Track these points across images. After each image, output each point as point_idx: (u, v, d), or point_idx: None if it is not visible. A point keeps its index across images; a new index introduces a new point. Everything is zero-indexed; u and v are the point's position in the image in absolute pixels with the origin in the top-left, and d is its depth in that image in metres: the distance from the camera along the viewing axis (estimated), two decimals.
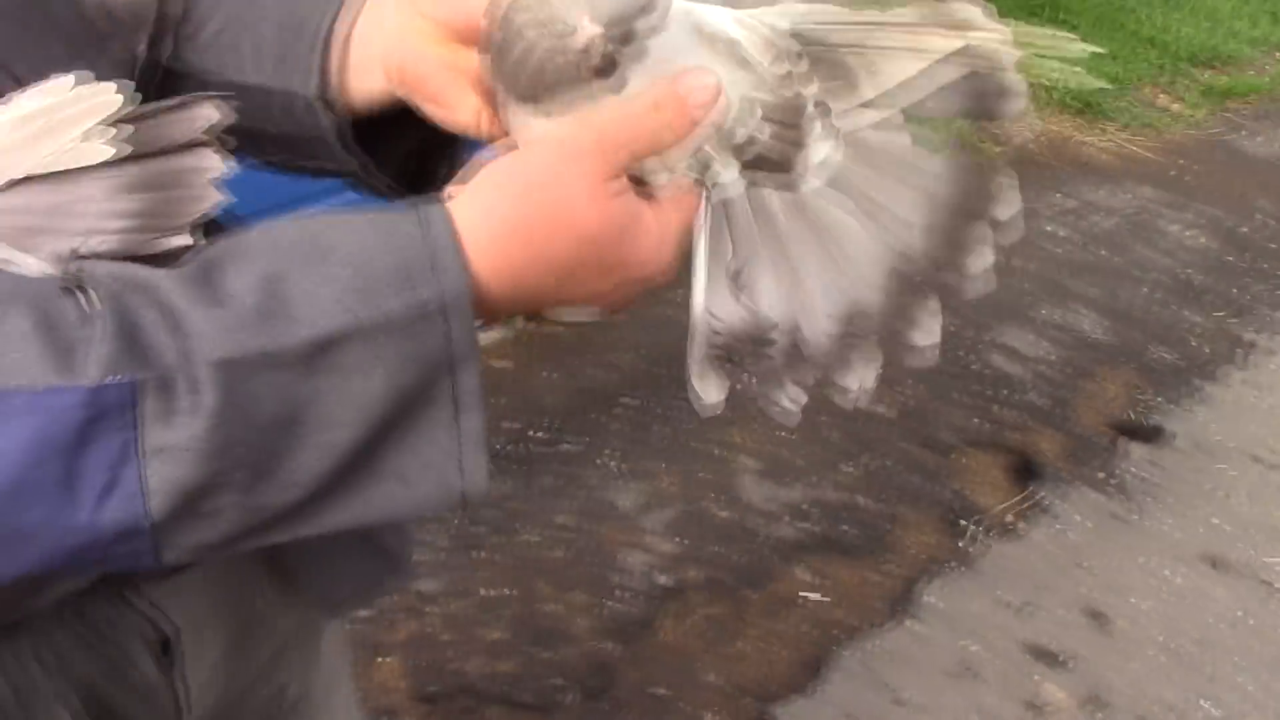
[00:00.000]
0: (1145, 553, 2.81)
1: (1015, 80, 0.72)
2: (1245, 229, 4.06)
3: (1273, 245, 3.98)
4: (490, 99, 0.71)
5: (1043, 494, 2.95)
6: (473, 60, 0.72)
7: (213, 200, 0.65)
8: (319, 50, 0.75)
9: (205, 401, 0.56)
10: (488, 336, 3.23)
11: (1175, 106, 4.75)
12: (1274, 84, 4.97)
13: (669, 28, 0.68)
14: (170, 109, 0.65)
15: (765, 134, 0.69)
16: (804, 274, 0.72)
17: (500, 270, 0.63)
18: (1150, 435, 3.16)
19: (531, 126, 0.68)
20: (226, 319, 0.57)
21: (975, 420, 3.16)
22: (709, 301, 0.71)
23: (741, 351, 0.72)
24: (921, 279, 0.73)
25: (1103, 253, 3.85)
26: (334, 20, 0.76)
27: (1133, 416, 3.23)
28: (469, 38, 0.72)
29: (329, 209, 0.64)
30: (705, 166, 0.69)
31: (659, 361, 3.20)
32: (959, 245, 0.73)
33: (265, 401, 0.57)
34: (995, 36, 0.71)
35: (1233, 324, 3.61)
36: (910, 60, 0.71)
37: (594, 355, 3.20)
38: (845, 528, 2.76)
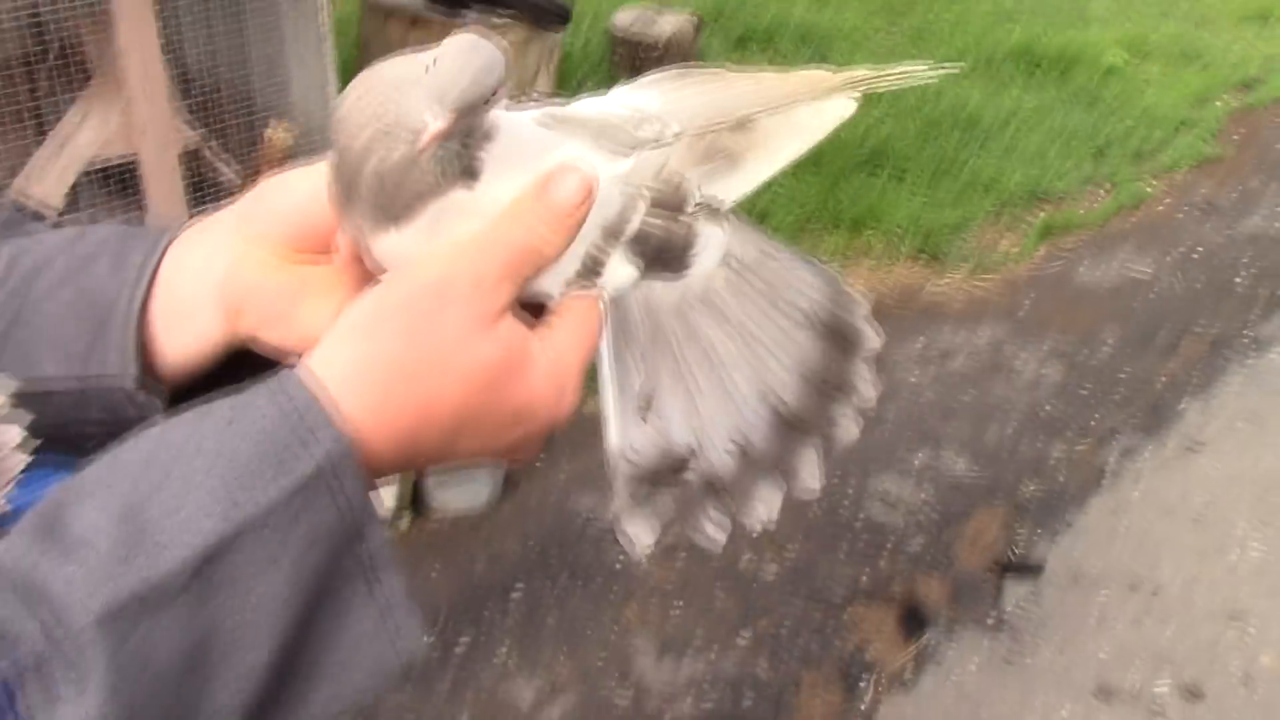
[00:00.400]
0: (1038, 692, 2.86)
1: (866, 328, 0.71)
2: (1095, 359, 4.25)
3: (1123, 373, 4.17)
4: (351, 267, 0.66)
5: (934, 641, 3.00)
6: (318, 272, 0.68)
7: (19, 461, 0.60)
8: (132, 331, 0.68)
9: (92, 674, 0.49)
10: None
11: (1013, 246, 5.00)
12: (1101, 217, 5.27)
13: (511, 118, 0.64)
14: None
15: (656, 224, 0.65)
16: (699, 396, 0.68)
17: (382, 422, 0.58)
18: (1029, 571, 3.25)
19: (396, 251, 0.62)
20: (87, 571, 0.51)
21: (863, 572, 3.21)
22: (624, 435, 0.67)
23: (662, 481, 0.68)
24: (800, 421, 0.69)
25: (965, 394, 3.99)
26: (145, 291, 0.69)
27: (1011, 554, 3.32)
28: (315, 246, 0.68)
29: (168, 420, 0.58)
30: (597, 268, 0.65)
31: (547, 545, 3.21)
32: (834, 382, 0.70)
33: (160, 649, 0.51)
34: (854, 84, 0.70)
35: (1094, 453, 3.76)
36: (792, 139, 0.70)
37: (480, 546, 3.19)
38: (748, 701, 2.77)
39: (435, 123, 0.58)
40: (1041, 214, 5.27)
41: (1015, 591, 3.18)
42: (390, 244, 0.62)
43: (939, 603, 3.13)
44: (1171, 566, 3.30)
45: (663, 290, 0.67)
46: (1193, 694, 2.88)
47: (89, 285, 0.69)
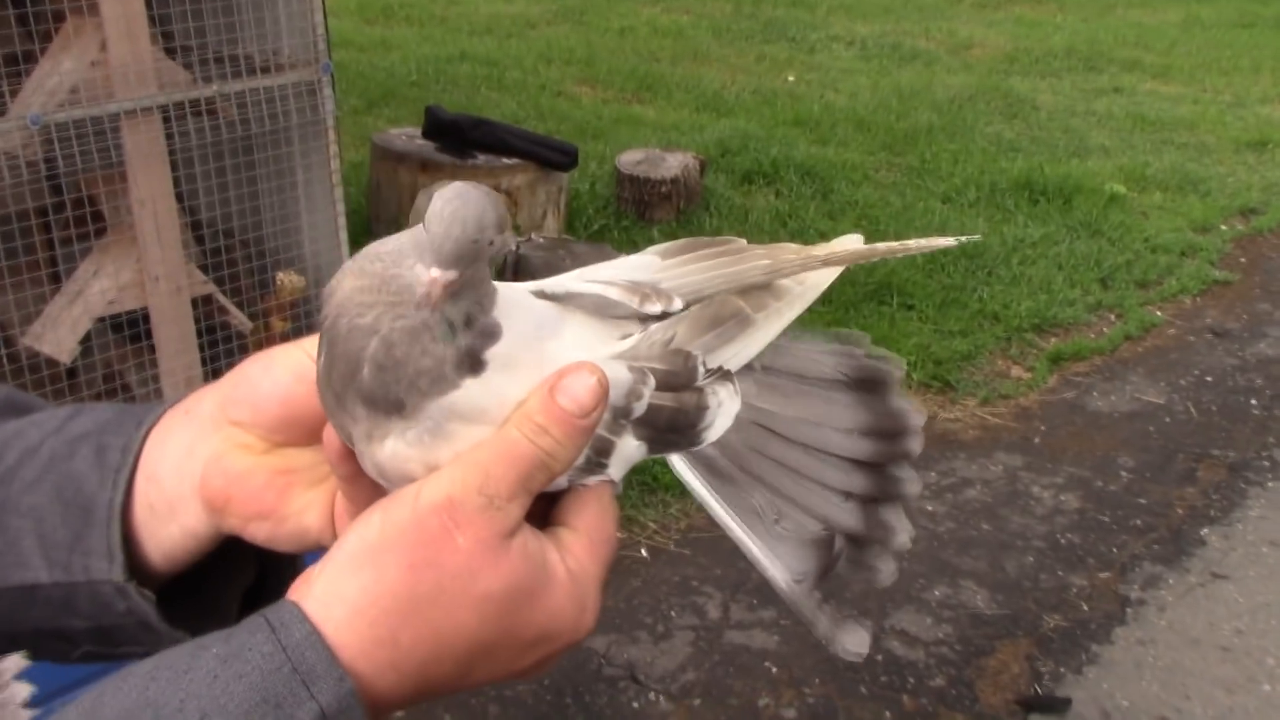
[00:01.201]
0: None
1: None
2: (1113, 487, 4.21)
3: (1141, 500, 4.13)
4: (342, 463, 0.62)
5: None
6: (304, 458, 0.67)
7: (26, 717, 0.58)
8: (116, 530, 0.66)
9: None
10: None
11: (1023, 374, 5.00)
12: (1110, 344, 5.28)
13: (511, 293, 0.62)
14: None
15: (666, 401, 0.63)
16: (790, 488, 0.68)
17: (389, 664, 0.55)
18: (1055, 707, 3.17)
19: (397, 459, 0.59)
20: None
21: (885, 712, 3.13)
22: (782, 565, 0.66)
23: (829, 576, 0.68)
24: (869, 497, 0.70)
25: (983, 526, 3.94)
26: (126, 487, 0.67)
27: (1036, 690, 3.24)
28: (295, 436, 0.67)
29: (157, 659, 0.55)
30: (606, 451, 0.62)
31: (561, 689, 3.14)
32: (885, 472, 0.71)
33: None
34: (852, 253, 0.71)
35: (1116, 583, 3.70)
36: (804, 297, 0.69)
37: (493, 692, 3.13)
38: None
39: (438, 275, 0.55)
40: (1051, 342, 5.28)
41: None
42: (390, 450, 0.58)
43: None
44: (1202, 700, 3.21)
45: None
46: None
47: (71, 477, 0.68)
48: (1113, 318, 5.58)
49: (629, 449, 0.63)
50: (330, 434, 0.62)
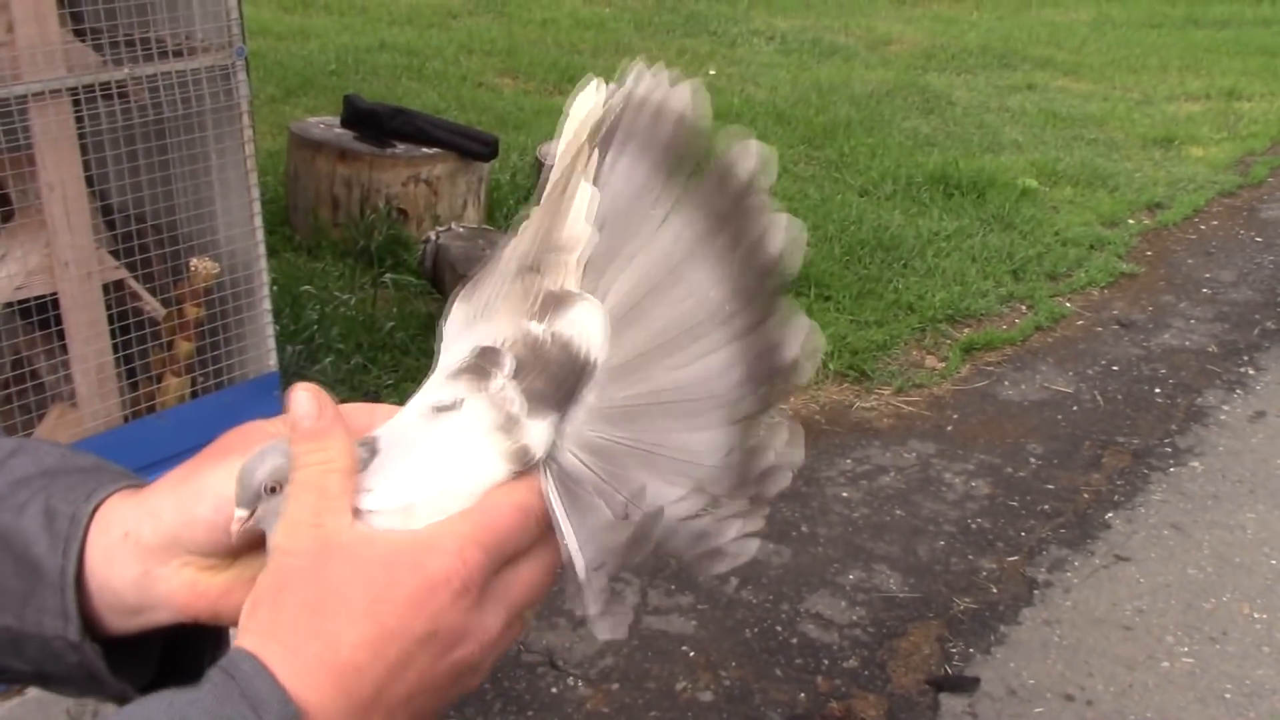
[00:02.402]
0: None
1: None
2: (1022, 473, 4.31)
3: (1049, 486, 4.23)
4: None
5: None
6: (256, 566, 0.71)
7: None
8: (71, 594, 0.72)
9: None
10: None
11: (937, 364, 5.10)
12: (1021, 334, 5.40)
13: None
14: None
15: (537, 380, 0.69)
16: (673, 455, 0.70)
17: (317, 671, 0.62)
18: (964, 686, 3.25)
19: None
20: None
21: (800, 694, 3.19)
22: (586, 558, 0.69)
23: (639, 557, 0.69)
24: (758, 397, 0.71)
25: (896, 512, 4.02)
26: (78, 562, 0.72)
27: (947, 670, 3.31)
28: (249, 550, 0.72)
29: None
30: (525, 455, 0.69)
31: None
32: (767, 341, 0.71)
33: None
34: None
35: (1024, 566, 3.79)
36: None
37: None
38: None
39: (237, 515, 0.68)
40: (964, 332, 5.38)
41: (952, 707, 3.17)
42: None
43: None
44: (1105, 677, 3.31)
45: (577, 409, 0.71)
46: None
47: (20, 534, 0.73)
48: (1024, 309, 5.70)
49: (539, 434, 0.69)
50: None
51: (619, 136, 0.72)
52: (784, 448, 0.72)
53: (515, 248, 0.72)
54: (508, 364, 0.70)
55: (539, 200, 0.71)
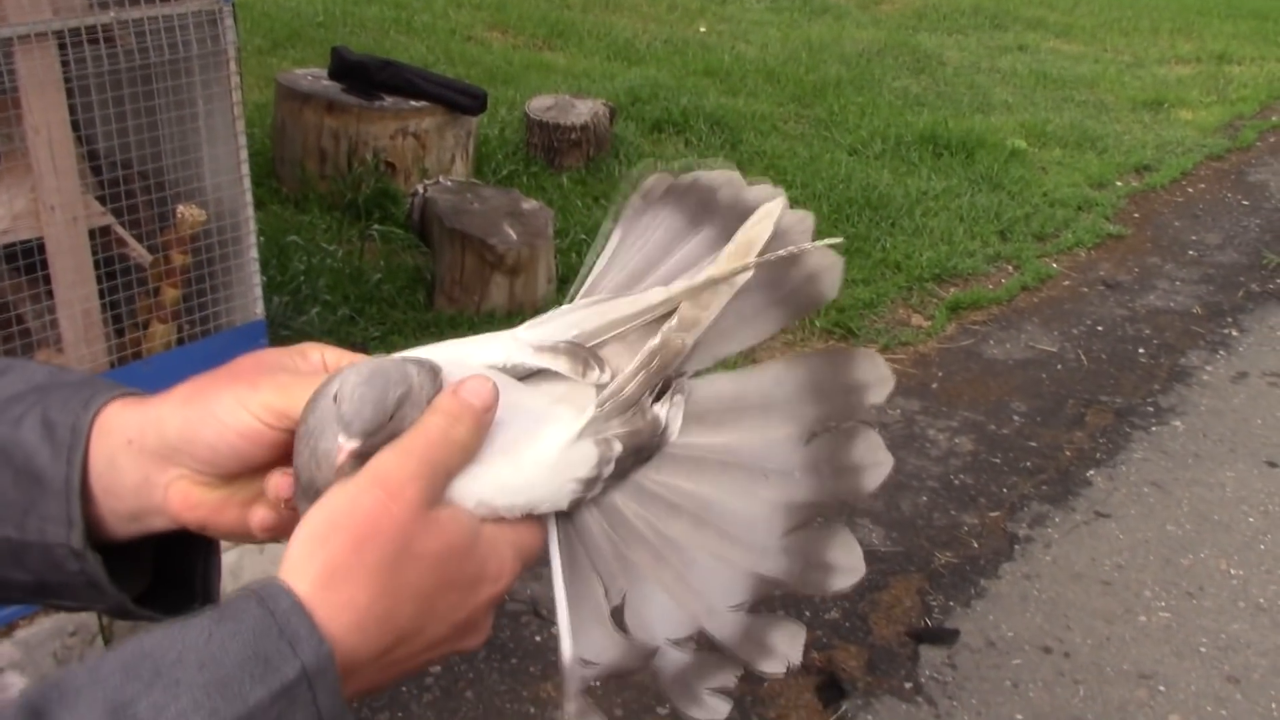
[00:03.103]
0: None
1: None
2: (1005, 430, 4.34)
3: (1032, 443, 4.26)
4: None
5: (852, 711, 3.01)
6: (249, 489, 0.74)
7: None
8: (76, 502, 0.73)
9: None
10: None
11: (923, 322, 5.12)
12: (1007, 294, 5.42)
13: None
14: None
15: (630, 460, 0.73)
16: (689, 571, 0.74)
17: (357, 624, 0.63)
18: (944, 638, 3.29)
19: None
20: None
21: None
22: (578, 647, 0.72)
23: (627, 674, 0.73)
24: (822, 508, 0.76)
25: None
26: (80, 469, 0.74)
27: (927, 622, 3.35)
28: (248, 475, 0.74)
29: (147, 629, 0.62)
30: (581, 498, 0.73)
31: None
32: (843, 446, 0.77)
33: None
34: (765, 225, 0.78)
35: (1005, 521, 3.83)
36: (712, 297, 0.77)
37: None
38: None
39: (346, 444, 0.66)
40: (950, 291, 5.40)
41: (931, 658, 3.21)
42: None
43: (856, 672, 3.14)
44: (1083, 630, 3.35)
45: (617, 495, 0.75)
46: None
47: (19, 445, 0.74)
48: (1010, 269, 5.72)
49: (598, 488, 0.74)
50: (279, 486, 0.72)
51: (763, 280, 0.79)
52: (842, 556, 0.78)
53: (652, 299, 0.78)
54: (616, 396, 0.75)
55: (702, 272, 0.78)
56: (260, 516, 0.74)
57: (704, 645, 0.73)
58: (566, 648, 0.72)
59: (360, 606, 0.63)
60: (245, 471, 0.74)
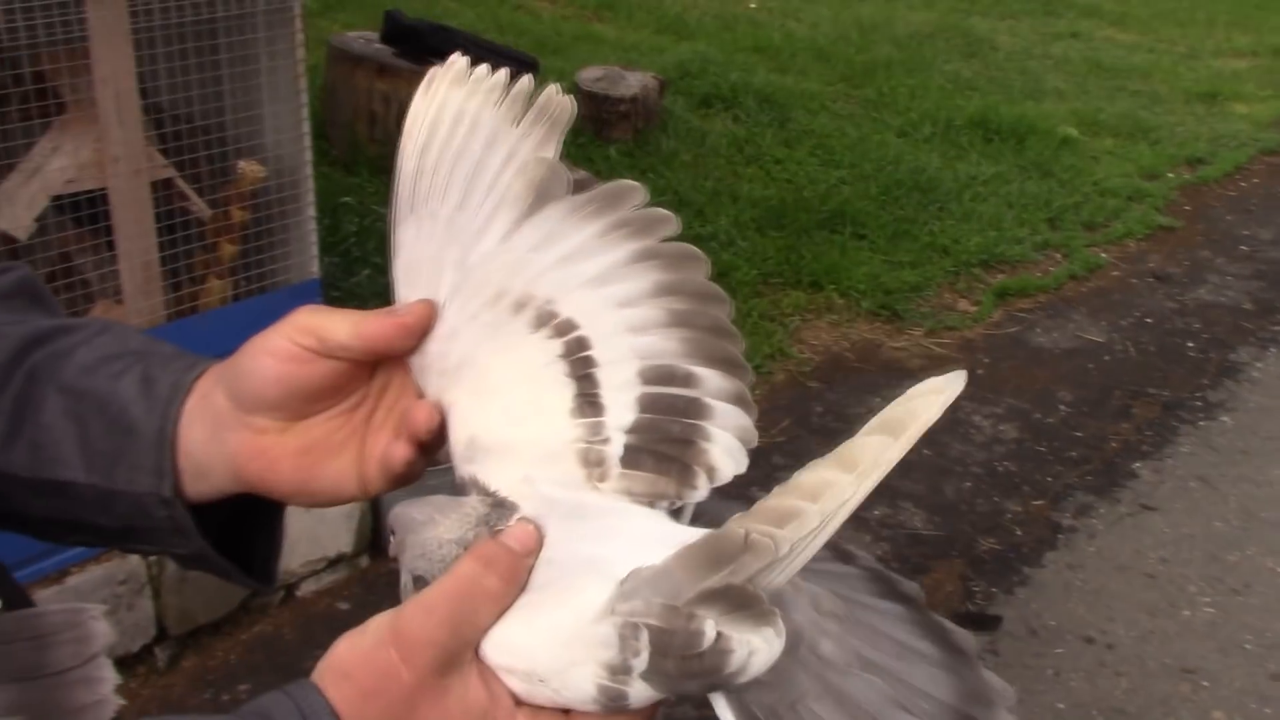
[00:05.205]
0: None
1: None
2: (1050, 419, 4.31)
3: (1077, 433, 4.23)
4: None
5: None
6: (317, 431, 0.75)
7: (114, 705, 0.64)
8: (168, 453, 0.75)
9: None
10: (330, 577, 3.16)
11: (969, 307, 5.08)
12: (1055, 282, 5.37)
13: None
14: (52, 621, 0.65)
15: (670, 665, 0.63)
16: None
17: None
18: (986, 624, 3.27)
19: None
20: None
21: None
22: None
23: None
24: None
25: (923, 451, 4.03)
26: (175, 423, 0.76)
27: (968, 608, 3.33)
28: (299, 407, 0.75)
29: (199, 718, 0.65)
30: (618, 699, 0.64)
31: None
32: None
33: None
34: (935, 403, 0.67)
35: (1049, 510, 3.80)
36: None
37: None
38: None
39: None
40: (998, 278, 5.36)
41: None
42: None
43: None
44: (1125, 622, 3.33)
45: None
46: None
47: (116, 396, 0.76)
48: (1059, 257, 5.66)
49: (646, 694, 0.64)
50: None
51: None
52: None
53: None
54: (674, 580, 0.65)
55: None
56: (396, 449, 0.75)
57: None
58: None
59: None
60: (292, 405, 0.74)
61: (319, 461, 0.76)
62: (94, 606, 0.66)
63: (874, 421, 0.64)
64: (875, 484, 0.62)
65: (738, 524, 0.62)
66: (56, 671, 0.63)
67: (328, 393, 0.75)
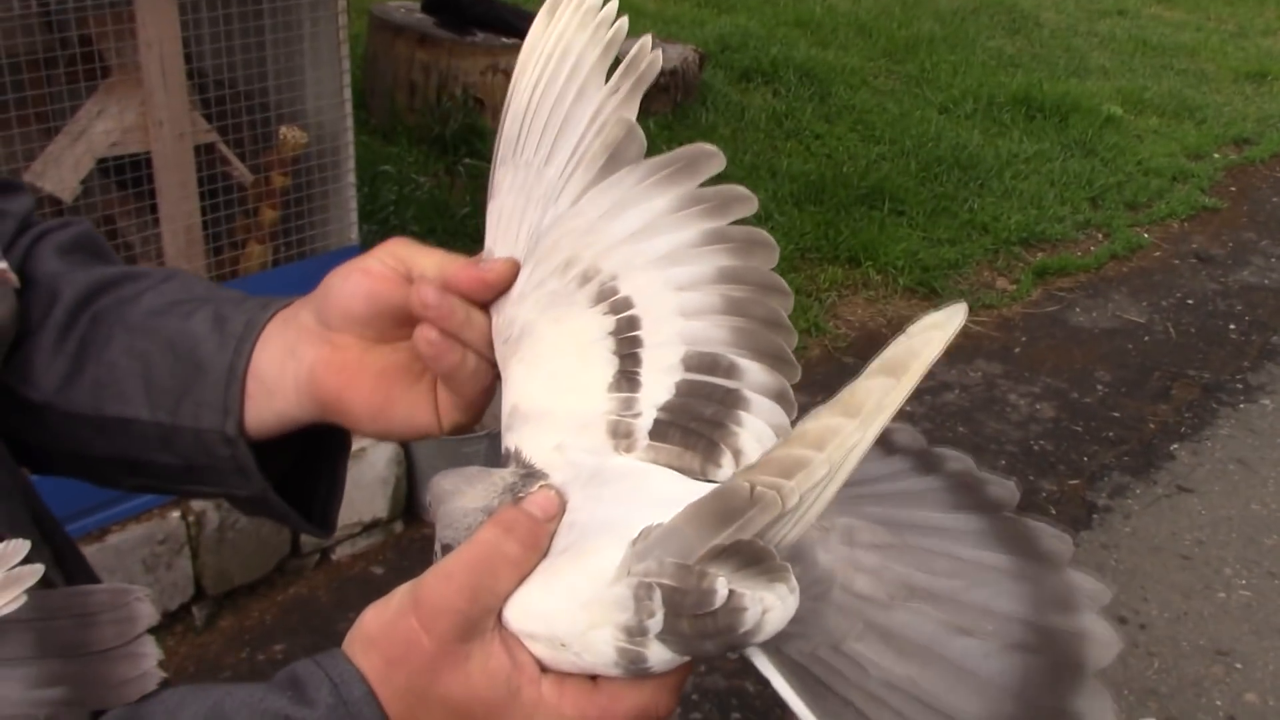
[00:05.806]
0: None
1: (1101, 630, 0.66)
2: (1088, 399, 4.28)
3: (1115, 414, 4.20)
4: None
5: None
6: (398, 357, 0.76)
7: (157, 678, 0.65)
8: (236, 389, 0.76)
9: None
10: (365, 542, 3.19)
11: (1008, 286, 5.05)
12: (1096, 262, 5.32)
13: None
14: (99, 599, 0.66)
15: (684, 625, 0.61)
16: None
17: None
18: None
19: None
20: None
21: None
22: None
23: None
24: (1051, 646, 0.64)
25: (959, 429, 4.01)
26: (247, 359, 0.77)
27: None
28: (384, 329, 0.76)
29: (231, 689, 0.65)
30: (638, 661, 0.63)
31: None
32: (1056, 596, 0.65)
33: None
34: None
35: (1084, 490, 3.78)
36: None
37: None
38: (735, 715, 2.76)
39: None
40: (1038, 256, 5.32)
41: None
42: None
43: None
44: (1160, 603, 3.31)
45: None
46: None
47: (186, 334, 0.78)
48: (1100, 237, 5.61)
49: (665, 656, 0.63)
50: (425, 330, 0.74)
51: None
52: None
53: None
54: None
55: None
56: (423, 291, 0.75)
57: None
58: None
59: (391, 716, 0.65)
60: (376, 324, 0.76)
61: (397, 384, 0.77)
62: (139, 588, 0.67)
63: (875, 363, 0.59)
64: (881, 428, 0.58)
65: (743, 477, 0.59)
66: (100, 650, 0.64)
67: (411, 320, 0.75)
